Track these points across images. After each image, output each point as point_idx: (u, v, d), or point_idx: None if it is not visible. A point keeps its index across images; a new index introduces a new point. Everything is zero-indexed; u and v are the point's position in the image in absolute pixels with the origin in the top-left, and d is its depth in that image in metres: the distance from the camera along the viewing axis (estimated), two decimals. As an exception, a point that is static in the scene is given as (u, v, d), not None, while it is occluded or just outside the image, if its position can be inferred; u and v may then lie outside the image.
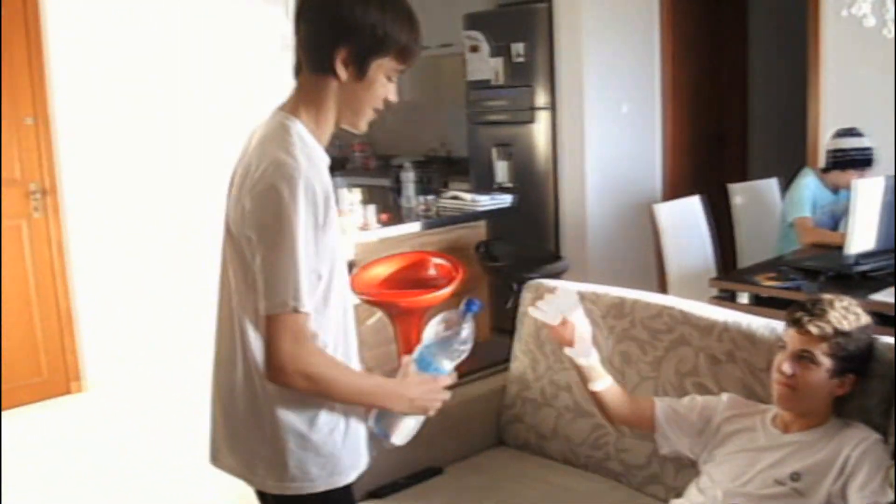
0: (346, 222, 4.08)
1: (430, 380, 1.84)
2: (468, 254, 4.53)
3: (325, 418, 1.79)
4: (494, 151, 5.70)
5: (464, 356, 1.88)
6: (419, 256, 4.14)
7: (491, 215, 4.76)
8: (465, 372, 2.90)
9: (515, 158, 5.61)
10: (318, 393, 1.73)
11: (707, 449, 2.22)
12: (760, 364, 2.30)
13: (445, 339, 1.85)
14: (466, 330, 1.86)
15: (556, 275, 4.13)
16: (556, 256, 4.98)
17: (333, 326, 1.79)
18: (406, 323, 3.91)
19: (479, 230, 4.75)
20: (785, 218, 4.42)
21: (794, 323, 2.08)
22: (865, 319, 2.10)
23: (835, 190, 4.36)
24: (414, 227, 4.36)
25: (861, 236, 3.57)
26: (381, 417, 1.85)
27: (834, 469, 1.99)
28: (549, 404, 2.72)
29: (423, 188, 4.78)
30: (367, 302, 3.93)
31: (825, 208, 4.37)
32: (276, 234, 1.63)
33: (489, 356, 3.13)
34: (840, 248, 3.61)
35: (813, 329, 2.04)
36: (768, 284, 3.46)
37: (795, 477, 2.01)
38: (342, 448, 1.82)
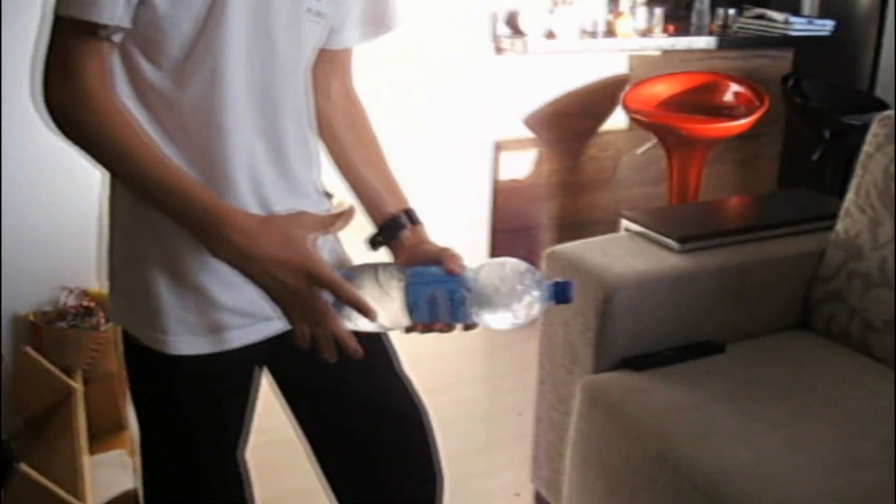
0: (624, 25, 3.32)
1: (301, 247, 1.11)
2: (769, 90, 3.68)
3: (157, 247, 1.20)
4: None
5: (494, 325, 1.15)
6: (713, 77, 3.37)
7: (802, 44, 3.85)
8: (762, 226, 2.19)
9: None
10: (95, 160, 1.14)
11: None
12: None
13: (499, 291, 1.14)
14: (534, 307, 1.14)
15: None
16: (881, 104, 4.01)
17: (196, 113, 1.15)
18: (685, 158, 3.21)
19: (783, 61, 3.86)
20: None
21: None
22: None
23: None
24: (706, 43, 3.54)
25: None
26: None
27: None
28: (889, 284, 1.94)
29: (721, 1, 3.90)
30: (640, 124, 3.24)
31: None
32: None
33: (785, 212, 2.36)
34: None
35: None
36: None
37: None
38: (165, 298, 1.20)
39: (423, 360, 1.67)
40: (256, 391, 1.40)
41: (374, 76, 2.65)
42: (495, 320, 1.15)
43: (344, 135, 1.38)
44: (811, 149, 3.61)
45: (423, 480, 1.47)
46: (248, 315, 1.25)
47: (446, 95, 3.20)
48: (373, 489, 1.45)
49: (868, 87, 4.44)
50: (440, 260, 1.19)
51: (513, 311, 1.14)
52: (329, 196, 1.37)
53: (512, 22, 3.18)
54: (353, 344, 1.12)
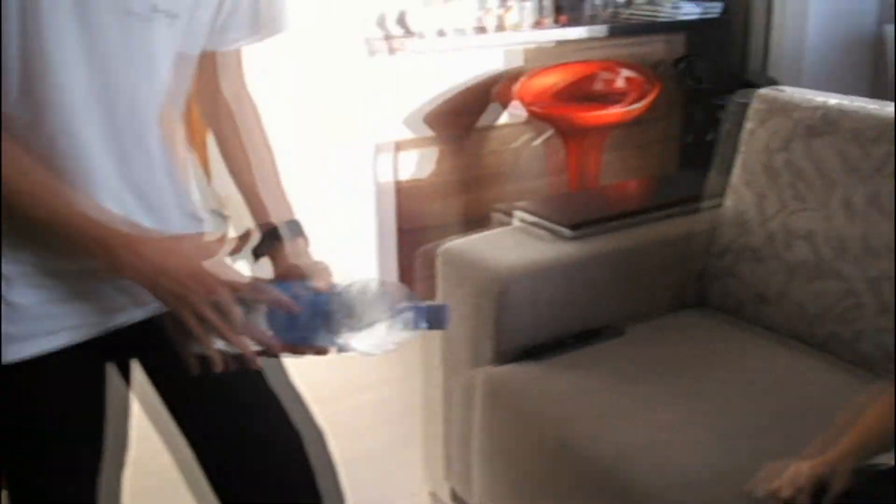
0: (515, 18, 3.33)
1: (200, 243, 1.11)
2: (662, 73, 3.72)
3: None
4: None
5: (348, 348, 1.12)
6: (604, 65, 3.39)
7: (692, 28, 3.90)
8: (653, 207, 2.21)
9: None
10: None
11: None
12: None
13: (365, 312, 1.09)
14: (400, 332, 1.10)
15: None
16: (771, 81, 4.10)
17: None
18: (582, 146, 3.22)
19: (676, 45, 3.89)
20: None
21: None
22: None
23: None
24: (598, 31, 3.56)
25: None
26: None
27: None
28: (777, 256, 1.98)
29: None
30: (536, 115, 3.24)
31: None
32: None
33: (675, 192, 2.38)
34: None
35: None
36: None
37: None
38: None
39: (317, 366, 1.64)
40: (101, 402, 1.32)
41: (264, 85, 2.58)
42: (361, 343, 1.09)
43: (230, 139, 1.32)
44: (709, 130, 3.65)
45: None
46: (52, 325, 1.17)
47: (335, 98, 3.15)
48: None
49: (761, 66, 4.53)
50: (311, 276, 1.16)
51: (376, 335, 1.08)
52: (222, 216, 1.33)
53: (402, 21, 3.16)
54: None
